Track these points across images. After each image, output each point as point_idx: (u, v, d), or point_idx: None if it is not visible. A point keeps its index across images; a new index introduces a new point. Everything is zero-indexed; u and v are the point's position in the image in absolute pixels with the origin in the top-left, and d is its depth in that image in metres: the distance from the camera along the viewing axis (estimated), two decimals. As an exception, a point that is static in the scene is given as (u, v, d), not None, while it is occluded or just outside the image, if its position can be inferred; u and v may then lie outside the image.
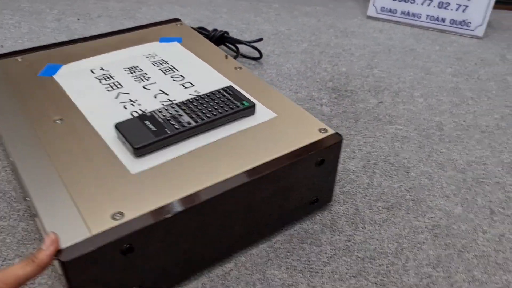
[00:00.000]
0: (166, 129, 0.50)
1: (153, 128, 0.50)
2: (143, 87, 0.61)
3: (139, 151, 0.48)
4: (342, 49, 0.98)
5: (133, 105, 0.57)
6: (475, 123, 0.76)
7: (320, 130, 0.53)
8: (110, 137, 0.51)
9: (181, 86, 0.61)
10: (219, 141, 0.51)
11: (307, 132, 0.53)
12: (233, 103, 0.55)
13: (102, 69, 0.65)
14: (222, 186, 0.46)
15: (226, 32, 0.91)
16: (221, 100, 0.55)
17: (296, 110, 0.57)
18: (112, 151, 0.49)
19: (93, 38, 0.74)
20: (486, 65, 0.94)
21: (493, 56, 0.98)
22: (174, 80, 0.62)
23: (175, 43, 0.72)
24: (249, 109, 0.55)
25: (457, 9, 1.04)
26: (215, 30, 0.92)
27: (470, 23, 1.04)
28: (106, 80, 0.62)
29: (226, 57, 0.69)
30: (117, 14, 1.09)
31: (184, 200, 0.44)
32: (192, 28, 0.87)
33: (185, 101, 0.55)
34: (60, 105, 0.57)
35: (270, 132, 0.53)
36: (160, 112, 0.53)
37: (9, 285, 0.36)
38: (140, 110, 0.56)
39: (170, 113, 0.53)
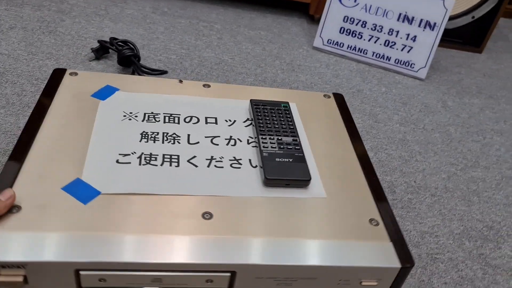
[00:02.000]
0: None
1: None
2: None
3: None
4: (289, 87, 0.92)
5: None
6: (424, 184, 0.75)
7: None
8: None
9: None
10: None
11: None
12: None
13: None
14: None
15: (135, 56, 0.84)
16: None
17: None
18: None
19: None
20: (430, 112, 0.94)
21: (435, 101, 0.98)
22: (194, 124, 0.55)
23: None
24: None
25: (402, 49, 1.03)
26: (126, 43, 0.86)
27: (414, 64, 1.04)
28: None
29: (180, 81, 0.62)
30: (34, 26, 0.94)
31: None
32: (102, 41, 0.87)
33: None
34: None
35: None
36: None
37: None
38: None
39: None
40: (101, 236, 0.40)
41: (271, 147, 0.52)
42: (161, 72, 0.84)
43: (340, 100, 0.64)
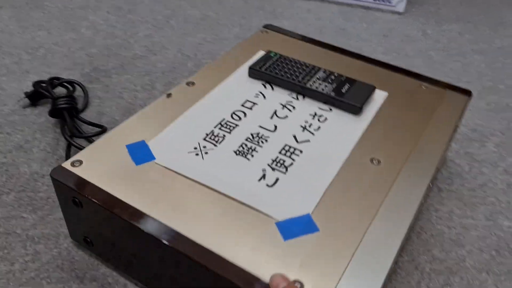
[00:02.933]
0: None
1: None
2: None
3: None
4: (275, 32, 0.96)
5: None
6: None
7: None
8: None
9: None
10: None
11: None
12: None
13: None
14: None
15: (72, 109, 0.65)
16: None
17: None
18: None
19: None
20: (411, 41, 0.98)
21: (415, 31, 1.02)
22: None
23: None
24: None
25: (379, -14, 1.07)
26: (71, 85, 0.72)
27: (392, -1, 1.07)
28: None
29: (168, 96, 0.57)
30: (21, 3, 0.97)
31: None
32: (38, 85, 0.69)
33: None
34: None
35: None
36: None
37: None
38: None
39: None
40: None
41: (322, 88, 0.56)
42: (100, 131, 0.63)
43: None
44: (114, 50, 0.87)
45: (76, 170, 0.45)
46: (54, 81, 0.72)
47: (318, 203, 0.44)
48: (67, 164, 0.45)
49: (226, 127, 0.52)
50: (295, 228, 0.41)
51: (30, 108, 0.71)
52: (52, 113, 0.66)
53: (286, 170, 0.47)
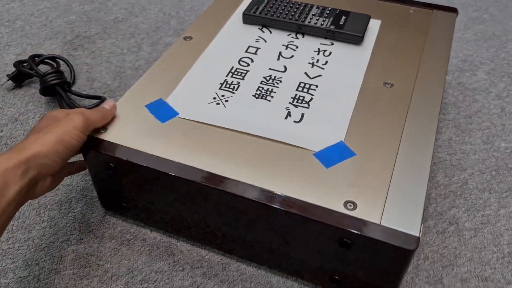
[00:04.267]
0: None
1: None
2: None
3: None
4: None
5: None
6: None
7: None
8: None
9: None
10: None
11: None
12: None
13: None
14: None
15: (64, 83, 0.63)
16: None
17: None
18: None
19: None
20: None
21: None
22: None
23: None
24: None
25: None
26: (54, 61, 0.68)
27: None
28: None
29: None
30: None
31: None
32: (19, 64, 0.65)
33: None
34: None
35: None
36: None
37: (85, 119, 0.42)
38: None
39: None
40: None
41: (321, 23, 0.55)
42: (99, 102, 0.61)
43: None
44: (93, 15, 0.84)
45: (104, 137, 0.44)
46: (35, 59, 0.69)
47: (347, 130, 0.45)
48: (92, 133, 0.45)
49: (238, 74, 0.52)
50: (333, 155, 0.43)
51: (15, 90, 0.68)
52: (44, 91, 0.63)
53: (308, 105, 0.48)
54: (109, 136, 0.45)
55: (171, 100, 0.49)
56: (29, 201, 0.53)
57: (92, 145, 0.44)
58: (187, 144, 0.44)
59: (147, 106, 0.48)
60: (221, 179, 0.41)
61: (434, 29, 0.58)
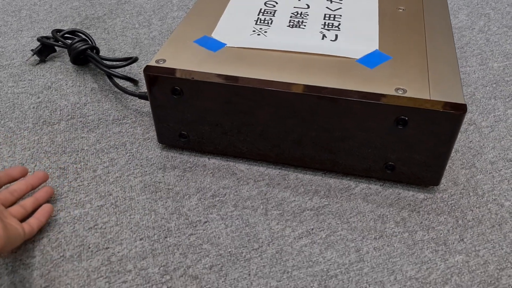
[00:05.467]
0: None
1: None
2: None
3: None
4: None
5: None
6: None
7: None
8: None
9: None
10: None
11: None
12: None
13: None
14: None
15: (92, 48, 0.66)
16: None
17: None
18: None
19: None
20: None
21: None
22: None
23: None
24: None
25: None
26: (74, 34, 0.70)
27: None
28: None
29: None
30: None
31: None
32: (43, 39, 0.68)
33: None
34: None
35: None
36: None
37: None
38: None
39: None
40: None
41: None
42: (132, 61, 0.63)
43: None
44: (96, 0, 0.87)
45: (166, 65, 0.49)
46: (57, 33, 0.71)
47: (378, 41, 0.52)
48: (152, 63, 0.49)
49: (268, 13, 0.57)
50: (373, 59, 0.50)
51: (40, 65, 0.71)
52: (74, 60, 0.66)
53: (339, 28, 0.54)
54: (170, 64, 0.49)
55: (215, 35, 0.53)
56: (85, 148, 0.55)
57: (157, 71, 0.48)
58: (243, 64, 0.49)
59: (195, 41, 0.52)
60: (282, 83, 0.46)
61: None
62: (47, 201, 0.47)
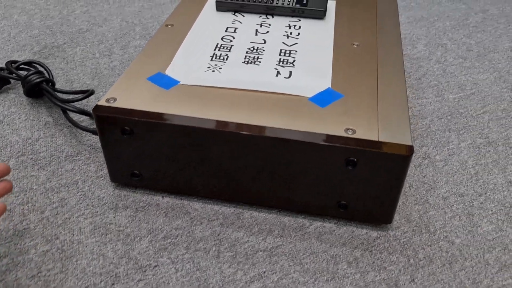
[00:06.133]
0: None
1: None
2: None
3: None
4: None
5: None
6: None
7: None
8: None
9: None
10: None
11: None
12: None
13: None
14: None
15: (48, 81, 0.65)
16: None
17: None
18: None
19: None
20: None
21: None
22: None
23: None
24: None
25: None
26: (30, 66, 0.69)
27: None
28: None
29: None
30: None
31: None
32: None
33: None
34: None
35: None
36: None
37: None
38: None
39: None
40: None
41: (287, 3, 0.62)
42: (88, 94, 0.60)
43: None
44: (56, 28, 0.86)
45: (116, 104, 0.48)
46: (12, 65, 0.70)
47: (331, 79, 0.52)
48: (102, 102, 0.48)
49: (224, 48, 0.57)
50: (325, 98, 0.50)
51: (-8, 90, 0.69)
52: (28, 92, 0.65)
53: (293, 65, 0.54)
54: (120, 104, 0.48)
55: (169, 72, 0.53)
56: (34, 187, 0.54)
57: (107, 111, 0.47)
58: (195, 103, 0.48)
59: (149, 78, 0.52)
60: (234, 124, 0.46)
61: (381, 4, 0.68)
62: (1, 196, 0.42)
